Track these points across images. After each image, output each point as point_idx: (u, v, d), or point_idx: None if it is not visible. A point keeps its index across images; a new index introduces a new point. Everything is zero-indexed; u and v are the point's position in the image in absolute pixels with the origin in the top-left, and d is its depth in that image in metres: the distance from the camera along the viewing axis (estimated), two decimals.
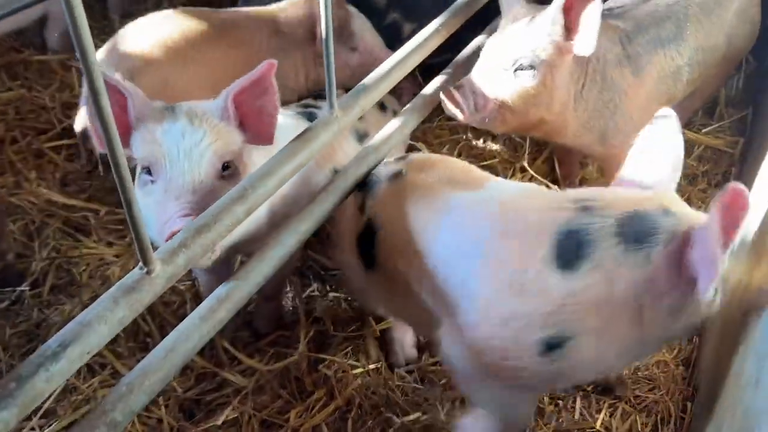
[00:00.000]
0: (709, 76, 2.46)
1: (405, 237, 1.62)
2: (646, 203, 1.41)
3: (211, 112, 1.55)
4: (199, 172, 1.48)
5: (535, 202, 1.55)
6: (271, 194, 1.40)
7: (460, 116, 2.03)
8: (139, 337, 2.22)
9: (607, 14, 2.20)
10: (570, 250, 1.39)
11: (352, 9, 2.60)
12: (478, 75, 2.05)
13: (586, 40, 1.95)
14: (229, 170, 1.55)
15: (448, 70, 2.21)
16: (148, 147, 1.51)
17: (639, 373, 2.12)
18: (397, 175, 1.73)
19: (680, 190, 2.74)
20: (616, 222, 1.38)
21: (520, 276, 1.42)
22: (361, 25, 2.62)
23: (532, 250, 1.43)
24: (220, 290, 1.37)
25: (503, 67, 2.00)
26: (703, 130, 2.99)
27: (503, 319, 1.44)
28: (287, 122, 1.88)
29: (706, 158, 2.91)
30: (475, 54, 2.31)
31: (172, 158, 1.48)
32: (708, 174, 2.84)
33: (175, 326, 1.27)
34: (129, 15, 3.54)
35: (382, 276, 1.74)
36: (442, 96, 2.03)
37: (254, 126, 1.60)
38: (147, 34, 2.26)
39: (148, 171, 1.53)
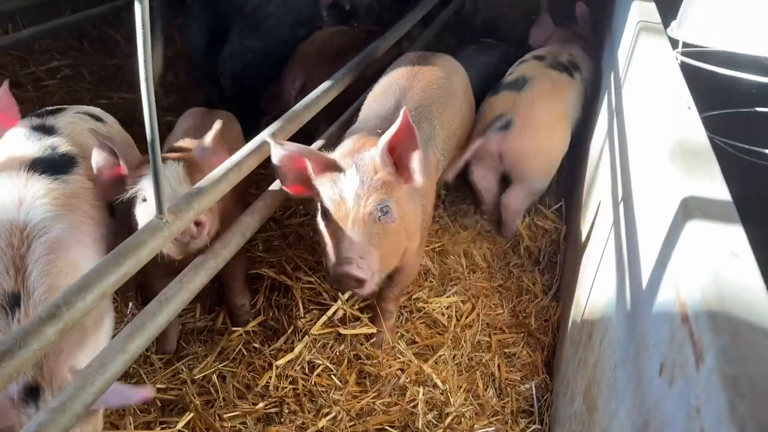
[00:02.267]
0: (452, 158, 2.74)
1: None
2: None
3: None
4: None
5: None
6: (90, 311, 1.26)
7: (367, 290, 1.92)
8: None
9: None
10: None
11: None
12: (355, 237, 1.88)
13: (417, 171, 1.96)
14: None
15: None
16: None
17: None
18: None
19: (521, 267, 2.93)
20: None
21: None
22: None
23: None
24: (37, 420, 1.18)
25: (372, 218, 1.91)
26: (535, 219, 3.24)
27: None
28: None
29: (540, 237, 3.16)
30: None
31: None
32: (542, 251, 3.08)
33: None
34: None
35: None
36: (338, 279, 1.89)
37: None
38: None
39: None
